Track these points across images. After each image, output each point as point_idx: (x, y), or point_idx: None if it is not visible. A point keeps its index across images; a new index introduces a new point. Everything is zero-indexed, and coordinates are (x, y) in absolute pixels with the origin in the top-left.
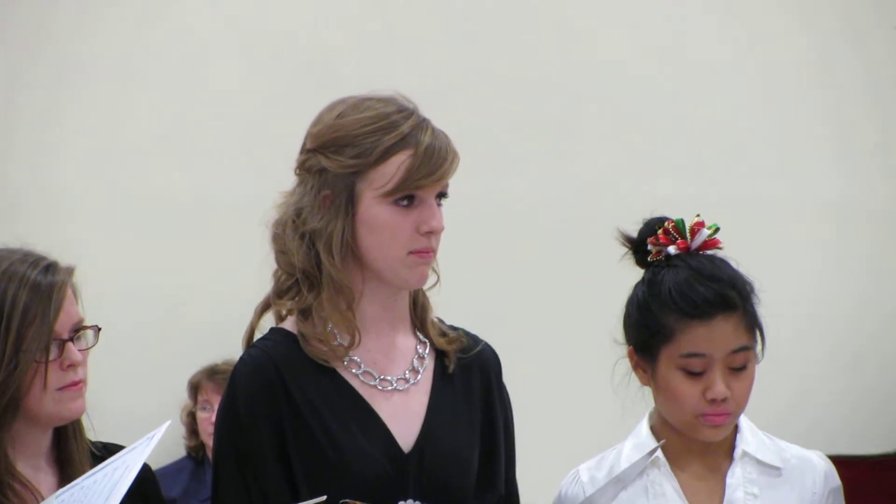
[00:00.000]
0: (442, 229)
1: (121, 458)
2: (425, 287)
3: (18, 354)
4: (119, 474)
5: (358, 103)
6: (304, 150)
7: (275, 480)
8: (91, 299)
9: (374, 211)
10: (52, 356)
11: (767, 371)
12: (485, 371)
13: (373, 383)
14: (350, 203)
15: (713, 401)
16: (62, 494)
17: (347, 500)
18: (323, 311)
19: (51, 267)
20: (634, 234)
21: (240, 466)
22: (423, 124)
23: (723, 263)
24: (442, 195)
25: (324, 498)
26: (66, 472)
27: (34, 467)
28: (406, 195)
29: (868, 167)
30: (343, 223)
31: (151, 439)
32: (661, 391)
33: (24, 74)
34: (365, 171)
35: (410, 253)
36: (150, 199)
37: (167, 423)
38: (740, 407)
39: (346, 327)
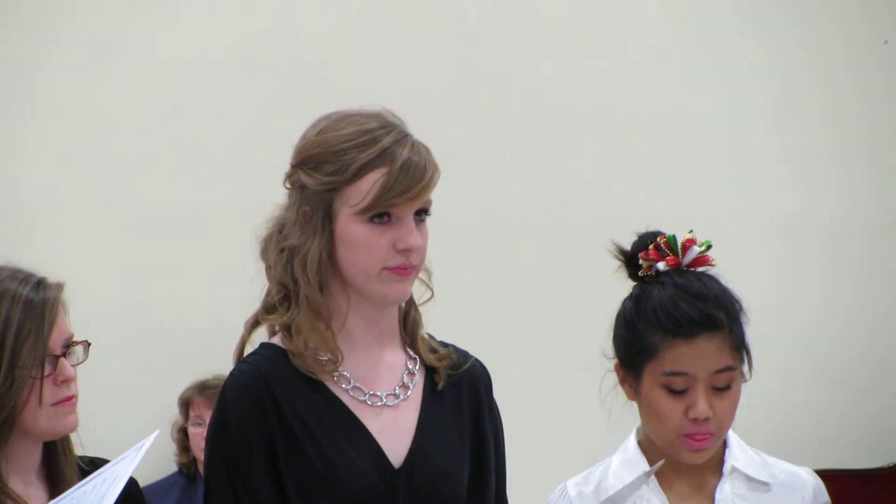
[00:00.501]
0: (419, 246)
1: (110, 468)
2: (418, 302)
3: (14, 372)
4: (108, 485)
5: (340, 119)
6: (290, 166)
7: (265, 495)
8: (79, 314)
9: (350, 228)
10: (46, 372)
11: (754, 388)
12: (475, 387)
13: (362, 398)
14: (327, 220)
15: (695, 420)
16: None
17: None
18: (301, 330)
19: (41, 283)
20: (628, 248)
21: (231, 481)
22: (403, 140)
23: (711, 281)
24: (423, 212)
25: None
26: (58, 487)
27: (25, 483)
28: (381, 212)
29: (828, 179)
30: (320, 241)
31: (140, 449)
32: (645, 408)
33: (8, 82)
34: (340, 189)
35: (385, 269)
36: (138, 212)
37: (156, 433)
38: (723, 427)
39: (326, 347)
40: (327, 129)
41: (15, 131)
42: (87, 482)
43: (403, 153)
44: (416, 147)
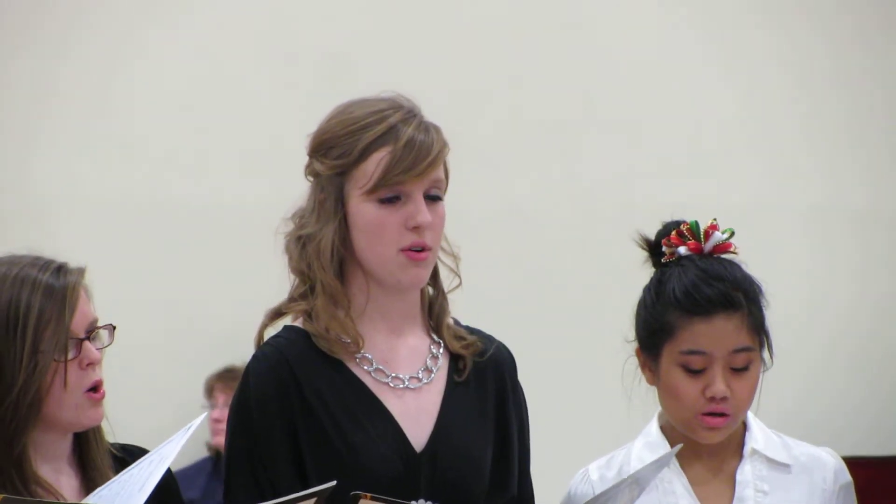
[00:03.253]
0: (430, 223)
1: (158, 451)
2: (447, 289)
3: (37, 356)
4: (154, 466)
5: (350, 104)
6: (307, 155)
7: (286, 478)
8: (104, 306)
9: (361, 210)
10: (70, 355)
11: (771, 374)
12: (499, 371)
13: (385, 381)
14: (339, 204)
15: (712, 399)
16: (101, 491)
17: (358, 493)
18: (320, 317)
19: (62, 269)
20: (652, 237)
21: (252, 464)
22: (409, 119)
23: (731, 265)
24: (435, 194)
25: (333, 483)
26: (89, 475)
27: (56, 470)
28: (390, 192)
29: (854, 170)
30: (334, 226)
31: (188, 431)
32: (663, 389)
33: (35, 75)
34: (349, 171)
35: (402, 251)
36: (161, 206)
37: (204, 415)
38: (741, 408)
39: (346, 332)
40: (337, 114)
41: (39, 125)
42: (135, 466)
43: (408, 131)
44: (423, 125)
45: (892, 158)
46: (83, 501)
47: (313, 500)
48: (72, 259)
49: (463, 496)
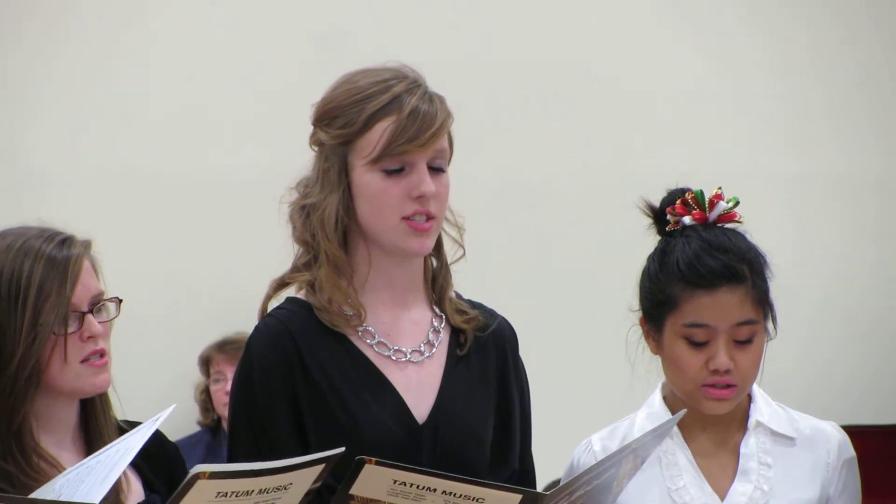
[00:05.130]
0: (434, 192)
1: (124, 440)
2: (450, 261)
3: (36, 327)
4: (119, 456)
5: (355, 74)
6: (312, 125)
7: (289, 449)
8: (104, 279)
9: (365, 179)
10: (71, 329)
11: (781, 345)
12: (501, 345)
13: (387, 354)
14: (343, 174)
15: (715, 371)
16: (69, 473)
17: (363, 457)
18: (323, 287)
19: (67, 241)
20: (657, 204)
21: (255, 437)
22: (413, 90)
23: (736, 236)
24: (439, 165)
25: (342, 450)
26: (95, 448)
27: (58, 443)
28: (394, 162)
29: (834, 137)
30: (337, 196)
31: (155, 422)
32: (667, 360)
33: (35, 44)
34: (353, 141)
35: (404, 219)
36: (161, 176)
37: (172, 407)
38: (746, 381)
39: (348, 303)
40: (341, 84)
41: (40, 96)
42: (102, 452)
43: (412, 101)
44: (427, 96)
45: (870, 124)
46: (51, 481)
47: (321, 466)
48: (74, 229)
49: (464, 468)
